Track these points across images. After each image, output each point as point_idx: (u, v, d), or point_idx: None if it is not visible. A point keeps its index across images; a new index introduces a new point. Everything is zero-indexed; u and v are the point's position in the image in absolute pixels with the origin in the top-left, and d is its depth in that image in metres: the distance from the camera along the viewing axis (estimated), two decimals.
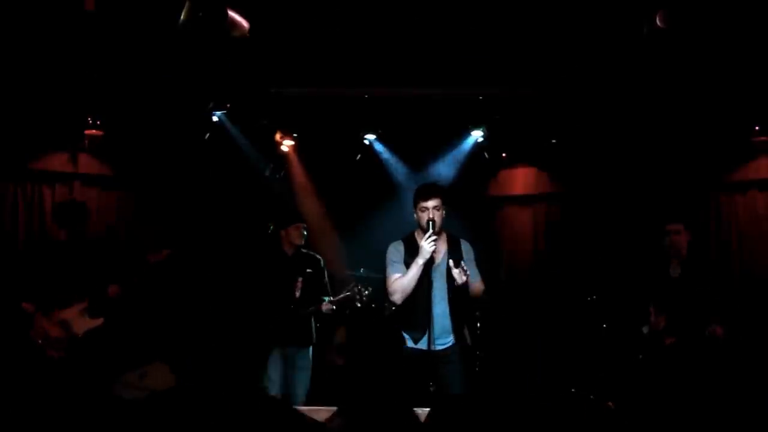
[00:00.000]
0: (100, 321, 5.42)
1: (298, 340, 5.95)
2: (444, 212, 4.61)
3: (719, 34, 5.03)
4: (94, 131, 7.00)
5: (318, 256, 6.14)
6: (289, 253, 6.06)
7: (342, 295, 5.91)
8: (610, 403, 5.70)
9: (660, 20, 4.76)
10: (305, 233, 6.05)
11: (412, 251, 4.59)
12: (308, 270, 5.99)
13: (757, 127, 6.69)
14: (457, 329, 4.66)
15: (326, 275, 6.13)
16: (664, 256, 5.74)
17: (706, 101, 6.35)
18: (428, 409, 2.12)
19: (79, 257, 5.46)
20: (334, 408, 2.11)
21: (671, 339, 5.54)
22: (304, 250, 6.10)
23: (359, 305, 5.97)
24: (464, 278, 4.43)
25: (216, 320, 6.73)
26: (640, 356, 5.74)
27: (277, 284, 5.95)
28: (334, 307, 5.90)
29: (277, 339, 5.89)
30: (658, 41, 4.95)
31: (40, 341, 5.26)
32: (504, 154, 8.10)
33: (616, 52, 5.52)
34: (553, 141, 7.56)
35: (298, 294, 5.91)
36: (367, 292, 5.79)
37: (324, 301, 5.89)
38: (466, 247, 4.77)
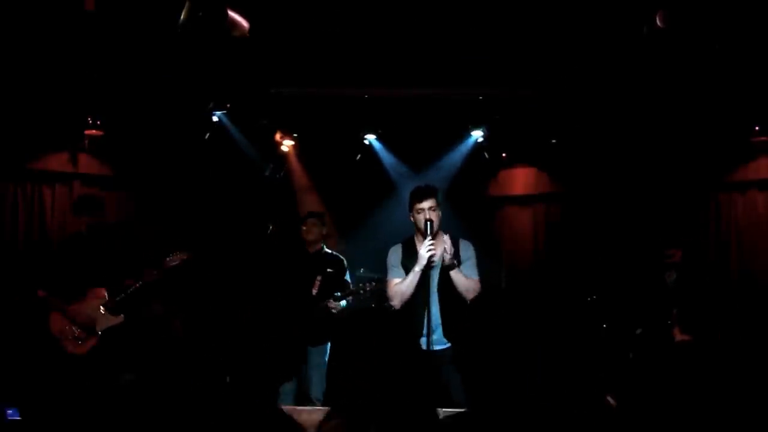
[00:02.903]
0: (120, 318, 5.46)
1: (312, 338, 5.98)
2: (440, 212, 4.61)
3: (719, 34, 5.03)
4: (94, 131, 6.99)
5: (341, 257, 6.22)
6: (310, 251, 6.12)
7: (346, 292, 5.91)
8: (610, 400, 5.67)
9: (660, 20, 4.76)
10: (316, 229, 6.16)
11: (410, 255, 4.58)
12: (329, 270, 6.04)
13: (757, 127, 6.69)
14: (454, 329, 4.65)
15: (348, 276, 6.18)
16: (660, 263, 5.75)
17: (706, 101, 6.35)
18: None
19: (98, 249, 5.52)
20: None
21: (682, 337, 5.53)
22: (328, 251, 6.21)
23: (373, 305, 5.97)
24: (449, 257, 4.45)
25: (232, 320, 6.73)
26: (631, 355, 5.77)
27: (297, 282, 6.03)
28: (342, 304, 5.87)
29: (296, 336, 5.93)
30: (658, 41, 4.95)
31: (57, 335, 5.30)
32: (504, 154, 8.09)
33: (616, 52, 5.52)
34: (553, 141, 7.56)
35: (315, 292, 5.95)
36: (370, 287, 5.77)
37: (336, 296, 5.91)
38: (464, 246, 4.75)
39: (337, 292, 5.98)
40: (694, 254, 6.13)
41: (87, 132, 6.99)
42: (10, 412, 3.34)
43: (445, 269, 4.53)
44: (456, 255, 4.66)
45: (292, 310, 5.96)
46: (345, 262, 6.20)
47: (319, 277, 5.98)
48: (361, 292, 5.85)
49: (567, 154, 7.63)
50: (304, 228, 6.18)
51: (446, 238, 4.67)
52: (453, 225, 4.80)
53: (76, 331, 5.36)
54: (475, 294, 4.70)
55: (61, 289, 5.41)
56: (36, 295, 5.39)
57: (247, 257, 6.47)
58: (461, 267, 4.64)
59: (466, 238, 4.87)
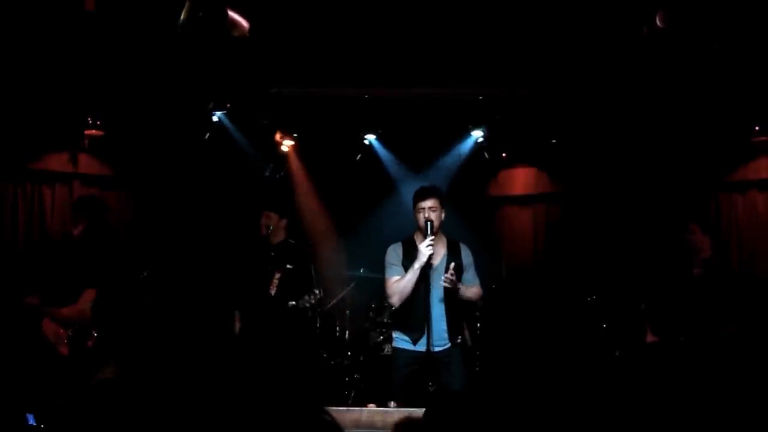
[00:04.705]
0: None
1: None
2: (443, 214, 4.61)
3: (719, 34, 5.03)
4: (94, 131, 7.00)
5: (304, 249, 6.01)
6: (273, 243, 5.90)
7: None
8: None
9: (660, 20, 4.76)
10: (270, 225, 5.87)
11: (410, 254, 4.59)
12: (288, 266, 5.79)
13: (757, 127, 6.69)
14: (455, 331, 4.67)
15: (312, 269, 5.94)
16: (687, 255, 5.74)
17: (706, 101, 6.35)
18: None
19: (90, 253, 5.50)
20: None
21: (653, 338, 5.58)
22: (292, 241, 5.97)
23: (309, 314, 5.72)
24: (449, 285, 4.46)
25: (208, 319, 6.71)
26: (617, 353, 5.82)
27: (254, 279, 5.80)
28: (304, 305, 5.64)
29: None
30: (658, 41, 4.95)
31: (53, 340, 5.29)
32: (504, 154, 8.09)
33: (616, 52, 5.52)
34: (553, 141, 7.56)
35: (273, 291, 5.69)
36: (314, 297, 5.50)
37: (305, 297, 5.63)
38: (465, 252, 4.77)
39: (302, 290, 5.67)
40: (720, 251, 6.10)
41: (87, 132, 6.99)
42: (28, 417, 3.34)
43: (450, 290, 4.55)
44: (456, 258, 4.67)
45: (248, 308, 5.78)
46: (309, 255, 5.97)
47: (277, 275, 5.69)
48: (308, 305, 5.63)
49: (567, 154, 7.63)
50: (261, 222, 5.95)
51: (444, 240, 4.69)
52: (453, 225, 4.80)
53: (71, 333, 5.33)
54: (478, 298, 4.77)
55: (52, 293, 5.37)
56: (25, 303, 5.34)
57: (245, 257, 6.44)
58: (464, 275, 4.68)
59: (466, 237, 4.88)
